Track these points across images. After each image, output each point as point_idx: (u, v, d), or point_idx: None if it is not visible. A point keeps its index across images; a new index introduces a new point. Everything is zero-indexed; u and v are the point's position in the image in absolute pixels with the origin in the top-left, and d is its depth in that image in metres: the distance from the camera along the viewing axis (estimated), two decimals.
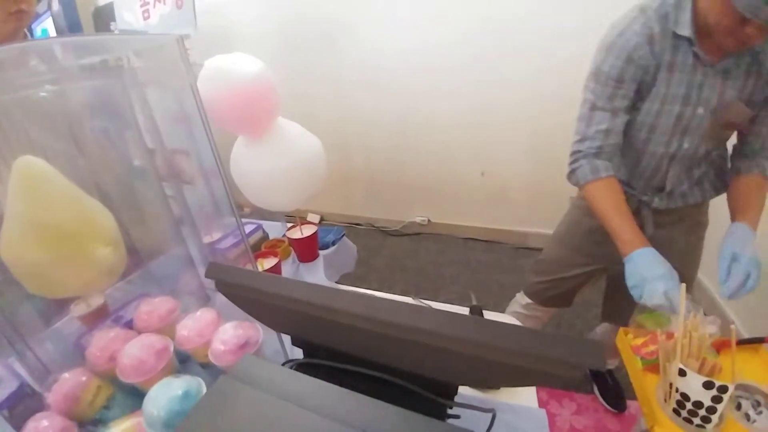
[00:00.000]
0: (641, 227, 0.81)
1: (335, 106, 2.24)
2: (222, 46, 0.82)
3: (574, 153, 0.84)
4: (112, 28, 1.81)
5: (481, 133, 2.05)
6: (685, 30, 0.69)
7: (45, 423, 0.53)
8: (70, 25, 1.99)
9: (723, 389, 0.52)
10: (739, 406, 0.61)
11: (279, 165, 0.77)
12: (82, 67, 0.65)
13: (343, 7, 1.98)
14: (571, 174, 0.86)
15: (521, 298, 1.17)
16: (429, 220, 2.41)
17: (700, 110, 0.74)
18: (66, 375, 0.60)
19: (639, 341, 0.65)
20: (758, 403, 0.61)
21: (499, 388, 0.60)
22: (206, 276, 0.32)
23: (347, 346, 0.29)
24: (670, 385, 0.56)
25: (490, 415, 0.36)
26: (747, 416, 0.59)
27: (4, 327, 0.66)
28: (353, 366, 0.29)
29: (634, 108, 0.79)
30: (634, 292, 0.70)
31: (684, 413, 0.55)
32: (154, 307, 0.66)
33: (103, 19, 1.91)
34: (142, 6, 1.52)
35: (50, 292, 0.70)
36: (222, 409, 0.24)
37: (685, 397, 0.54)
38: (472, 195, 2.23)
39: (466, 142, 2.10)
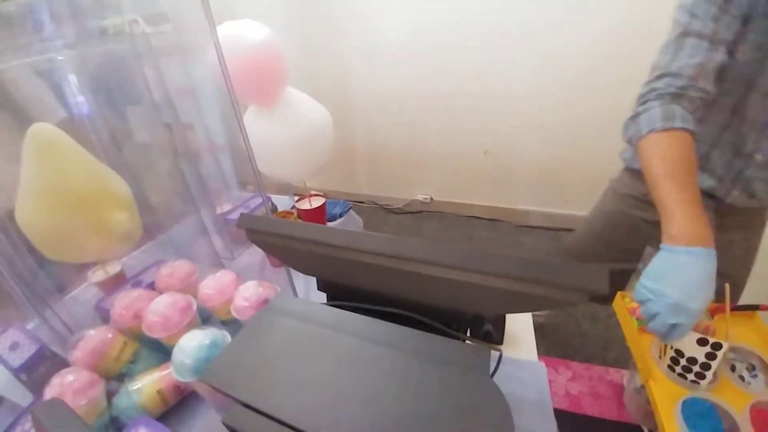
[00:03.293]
0: None
1: (336, 83, 2.22)
2: (225, 17, 0.81)
3: (644, 95, 0.61)
4: None
5: (484, 111, 2.04)
6: None
7: (71, 377, 0.54)
8: None
9: (717, 346, 0.55)
10: (733, 368, 0.64)
11: (289, 134, 0.78)
12: (98, 31, 0.65)
13: None
14: (632, 121, 0.62)
15: None
16: (432, 198, 2.43)
17: None
18: (92, 332, 0.63)
19: (635, 304, 0.68)
20: (753, 367, 0.64)
21: (501, 343, 0.64)
22: (238, 226, 0.34)
23: (369, 284, 0.31)
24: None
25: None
26: (741, 378, 0.62)
27: (24, 292, 0.68)
28: (374, 306, 0.32)
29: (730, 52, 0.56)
30: (638, 299, 0.52)
31: (678, 369, 0.59)
32: (174, 270, 0.69)
33: None
34: None
35: (69, 257, 0.72)
36: (265, 334, 0.26)
37: (680, 353, 0.58)
38: (474, 173, 2.24)
39: (469, 120, 2.09)
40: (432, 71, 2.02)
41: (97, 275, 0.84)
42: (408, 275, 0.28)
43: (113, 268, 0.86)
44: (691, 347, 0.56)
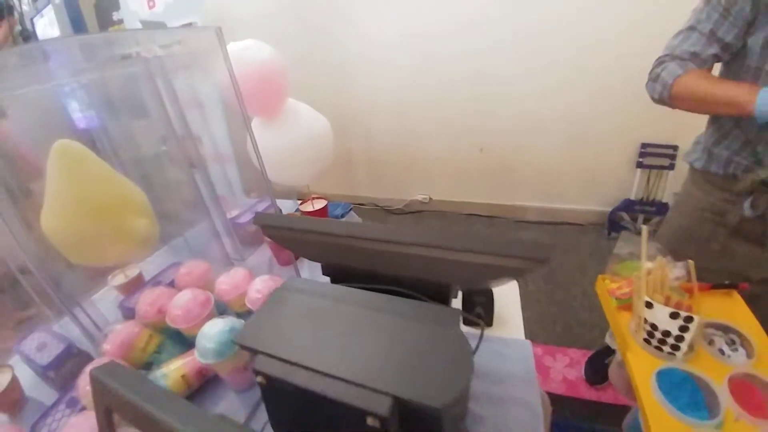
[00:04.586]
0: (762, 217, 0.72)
1: (334, 91, 2.30)
2: (225, 33, 0.87)
3: (658, 60, 0.77)
4: (114, 18, 1.86)
5: (480, 113, 2.10)
6: None
7: None
8: (71, 16, 2.04)
9: (689, 319, 0.60)
10: (711, 342, 0.68)
11: (292, 143, 0.85)
12: (117, 58, 0.73)
13: None
14: (656, 79, 0.76)
15: None
16: (430, 198, 2.49)
17: None
18: (119, 326, 0.69)
19: (614, 285, 0.73)
20: (733, 342, 0.69)
21: (491, 325, 0.69)
22: (254, 223, 0.40)
23: (365, 264, 0.37)
24: (640, 317, 0.65)
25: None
26: (721, 351, 0.66)
27: (55, 293, 0.74)
28: (370, 285, 0.38)
29: (737, 53, 0.71)
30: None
31: (654, 342, 0.64)
32: (192, 269, 0.75)
33: (105, 9, 1.96)
34: None
35: (92, 261, 0.79)
36: (282, 306, 0.32)
37: (654, 327, 0.63)
38: (472, 172, 2.30)
39: (465, 121, 2.16)
40: (426, 77, 2.09)
41: (118, 279, 0.91)
42: (395, 255, 0.34)
43: (132, 272, 0.92)
44: (664, 321, 0.61)
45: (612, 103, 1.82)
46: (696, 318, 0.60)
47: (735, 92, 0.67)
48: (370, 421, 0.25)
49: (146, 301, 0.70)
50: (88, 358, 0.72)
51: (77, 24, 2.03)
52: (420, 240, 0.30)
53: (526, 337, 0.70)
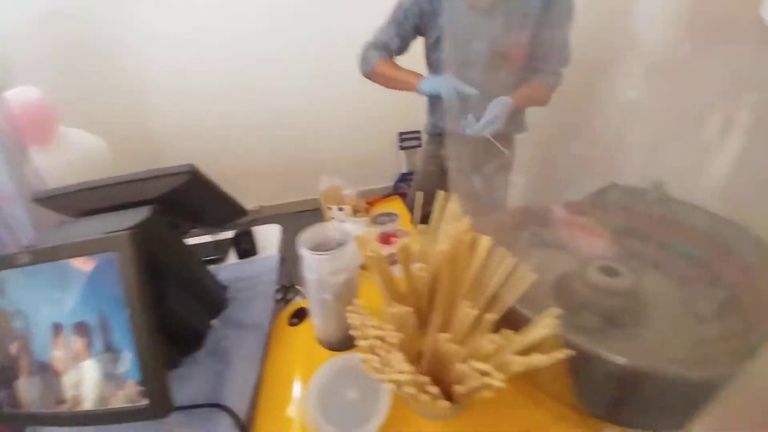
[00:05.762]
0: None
1: (137, 119, 2.35)
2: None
3: (365, 45, 1.11)
4: None
5: (288, 120, 2.50)
6: None
7: None
8: None
9: (341, 210, 1.09)
10: (383, 223, 1.19)
11: (66, 160, 1.06)
12: None
13: (109, 32, 2.13)
14: (363, 60, 1.11)
15: None
16: (261, 206, 2.76)
17: (477, 44, 0.94)
18: None
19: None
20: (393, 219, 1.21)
21: (257, 253, 1.07)
22: (33, 201, 0.65)
23: (106, 203, 0.69)
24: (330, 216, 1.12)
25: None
26: (384, 223, 1.18)
27: None
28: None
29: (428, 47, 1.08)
30: (439, 93, 0.96)
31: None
32: None
33: None
34: None
35: None
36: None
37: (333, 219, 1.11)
38: (293, 172, 2.67)
39: (279, 128, 2.53)
40: (233, 98, 2.39)
41: None
42: (122, 189, 0.66)
43: None
44: (337, 214, 1.09)
45: (376, 105, 2.46)
46: (346, 208, 1.09)
47: (408, 78, 1.06)
48: None
49: None
50: None
51: None
52: (120, 179, 0.63)
53: None
